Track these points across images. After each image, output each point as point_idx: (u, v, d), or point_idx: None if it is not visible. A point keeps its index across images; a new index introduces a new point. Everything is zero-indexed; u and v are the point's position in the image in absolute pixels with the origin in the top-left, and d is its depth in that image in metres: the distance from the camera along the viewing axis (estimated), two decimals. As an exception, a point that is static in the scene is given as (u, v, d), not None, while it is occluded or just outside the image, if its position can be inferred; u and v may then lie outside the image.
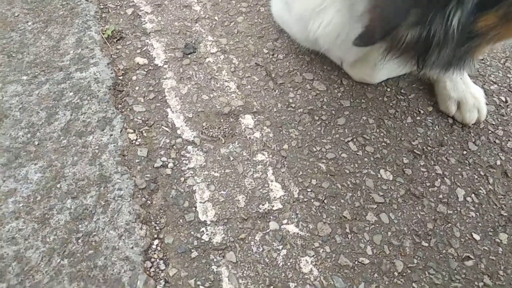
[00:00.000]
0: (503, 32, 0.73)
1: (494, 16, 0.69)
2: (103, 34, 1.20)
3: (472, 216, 0.93)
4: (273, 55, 1.22)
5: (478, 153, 1.05)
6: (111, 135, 0.98)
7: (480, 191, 0.98)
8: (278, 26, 1.29)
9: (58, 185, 0.89)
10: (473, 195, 0.97)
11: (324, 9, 0.88)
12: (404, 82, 1.18)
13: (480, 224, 0.92)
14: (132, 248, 0.81)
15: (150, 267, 0.80)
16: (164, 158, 0.96)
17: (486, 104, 1.11)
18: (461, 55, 0.78)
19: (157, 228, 0.85)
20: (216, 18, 1.30)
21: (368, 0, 0.74)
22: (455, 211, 0.94)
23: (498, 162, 1.04)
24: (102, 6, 1.29)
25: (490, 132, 1.10)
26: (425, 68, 0.80)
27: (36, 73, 1.09)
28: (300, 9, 0.99)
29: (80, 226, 0.84)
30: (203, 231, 0.85)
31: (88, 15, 1.24)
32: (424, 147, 1.04)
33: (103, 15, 1.26)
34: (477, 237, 0.90)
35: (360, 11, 0.77)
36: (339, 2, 0.84)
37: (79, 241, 0.82)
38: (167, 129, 1.01)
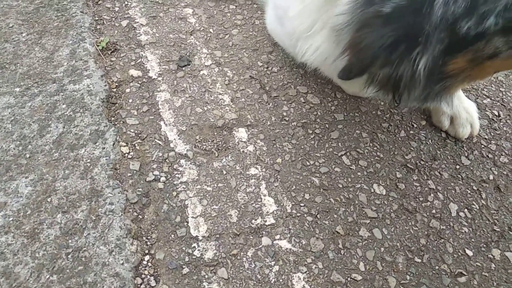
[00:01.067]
0: (474, 74, 0.78)
1: (463, 60, 0.72)
2: (98, 46, 1.20)
3: (465, 232, 0.93)
4: (267, 68, 1.22)
5: (471, 168, 1.05)
6: (104, 148, 0.97)
7: (473, 206, 0.98)
8: (272, 39, 1.29)
9: (49, 199, 0.89)
10: (466, 210, 0.97)
11: (312, 35, 0.90)
12: (398, 95, 1.19)
13: (473, 240, 0.92)
14: (122, 264, 0.80)
15: (141, 284, 0.79)
16: (156, 172, 0.95)
17: (479, 118, 1.11)
18: (436, 93, 0.82)
19: (148, 243, 0.84)
20: (211, 30, 1.30)
21: (347, 32, 0.77)
22: (448, 227, 0.94)
23: (491, 177, 1.04)
24: (97, 18, 1.29)
25: (483, 146, 1.11)
26: (402, 103, 0.83)
27: (29, 85, 1.09)
28: (292, 29, 1.00)
29: (70, 241, 0.83)
30: (194, 246, 0.84)
31: (83, 27, 1.24)
32: (417, 162, 1.05)
33: (98, 27, 1.26)
34: (470, 253, 0.90)
35: (343, 45, 0.79)
36: (327, 31, 0.86)
37: (69, 256, 0.81)
38: (160, 142, 1.01)
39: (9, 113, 1.03)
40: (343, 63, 0.86)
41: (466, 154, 1.08)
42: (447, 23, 0.66)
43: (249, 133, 1.06)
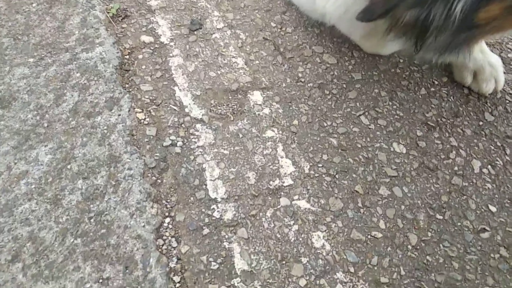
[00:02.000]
0: (503, 25, 0.73)
1: (497, 8, 0.68)
2: (108, 13, 1.18)
3: (489, 188, 0.91)
4: (281, 28, 1.19)
5: (495, 124, 1.02)
6: (119, 115, 0.97)
7: (496, 162, 0.95)
8: (285, -2, 1.25)
9: (69, 166, 0.90)
10: (489, 166, 0.95)
11: None
12: (418, 52, 1.14)
13: (496, 196, 0.90)
14: (143, 226, 0.82)
15: (162, 245, 0.80)
16: (173, 137, 0.95)
17: (504, 73, 1.07)
18: (459, 43, 0.77)
19: (168, 206, 0.85)
20: (221, -8, 1.27)
21: None
22: (471, 183, 0.91)
23: (516, 132, 1.00)
24: (105, -16, 1.26)
25: (507, 102, 1.06)
26: (422, 50, 0.78)
27: (43, 55, 1.09)
28: None
29: (91, 206, 0.84)
30: (214, 208, 0.85)
31: (92, -6, 1.22)
32: (439, 119, 1.02)
33: (107, -6, 1.24)
34: (493, 209, 0.88)
35: None
36: None
37: (91, 220, 0.82)
38: (175, 107, 1.00)
39: (25, 83, 1.03)
40: None
41: (490, 110, 1.04)
42: None
43: (264, 95, 1.04)
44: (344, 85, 1.07)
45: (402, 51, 1.10)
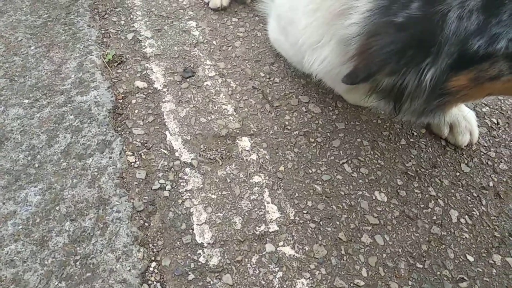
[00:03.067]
0: (472, 93, 0.78)
1: (466, 78, 0.74)
2: (104, 58, 1.23)
3: (466, 238, 0.95)
4: (269, 78, 1.25)
5: (471, 175, 1.07)
6: (110, 157, 1.00)
7: (473, 212, 1.00)
8: (274, 50, 1.32)
9: (57, 208, 0.91)
10: (466, 216, 0.99)
11: (320, 47, 0.92)
12: (398, 104, 1.21)
13: (474, 246, 0.94)
14: (129, 270, 0.82)
15: (147, 290, 0.80)
16: (162, 180, 0.97)
17: (478, 126, 1.13)
18: (432, 108, 0.83)
19: (155, 250, 0.86)
20: (214, 42, 1.34)
21: (357, 42, 0.79)
22: (449, 233, 0.95)
23: (491, 184, 1.06)
24: (103, 31, 1.33)
25: (482, 153, 1.12)
26: (401, 114, 0.85)
27: (38, 97, 1.12)
28: (296, 38, 1.03)
29: (78, 248, 0.85)
30: (200, 253, 0.86)
31: (90, 40, 1.27)
32: (418, 169, 1.06)
33: (104, 40, 1.30)
34: (471, 258, 0.91)
35: (351, 54, 0.81)
36: (334, 42, 0.88)
37: (77, 263, 0.83)
38: (165, 151, 1.03)
39: (18, 124, 1.06)
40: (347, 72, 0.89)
41: (466, 162, 1.10)
42: (458, 38, 0.67)
43: (252, 142, 1.08)
44: (328, 134, 1.12)
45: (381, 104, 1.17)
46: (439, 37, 0.69)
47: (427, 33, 0.69)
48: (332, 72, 0.95)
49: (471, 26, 0.67)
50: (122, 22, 1.37)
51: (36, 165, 0.98)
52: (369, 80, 0.78)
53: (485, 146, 1.15)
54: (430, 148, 1.12)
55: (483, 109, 1.25)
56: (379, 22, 0.73)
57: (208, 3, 1.45)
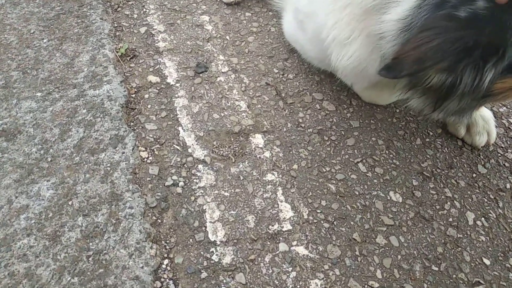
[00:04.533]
0: (509, 95, 0.77)
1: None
2: (117, 52, 1.22)
3: (482, 240, 0.93)
4: (283, 74, 1.24)
5: (488, 176, 1.05)
6: (123, 152, 0.99)
7: (490, 215, 0.98)
8: (288, 46, 1.30)
9: (70, 202, 0.90)
10: (483, 218, 0.97)
11: (349, 43, 0.91)
12: (413, 103, 1.19)
13: (490, 249, 0.92)
14: (142, 267, 0.82)
15: (160, 287, 0.80)
16: (175, 177, 0.97)
17: (496, 126, 1.11)
18: (470, 108, 0.81)
19: (167, 247, 0.86)
20: (227, 37, 1.32)
21: (400, 37, 0.76)
22: (465, 235, 0.93)
23: (508, 186, 1.04)
24: (116, 25, 1.31)
25: (499, 155, 1.10)
26: (436, 112, 0.82)
27: (51, 90, 1.11)
28: (316, 34, 1.01)
29: (91, 244, 0.84)
30: (212, 251, 0.85)
31: (103, 33, 1.27)
32: (434, 169, 1.05)
33: (117, 34, 1.29)
34: (487, 262, 0.89)
35: (385, 47, 0.79)
36: (365, 36, 0.87)
37: (90, 259, 0.82)
38: (178, 147, 1.03)
39: (31, 117, 1.05)
40: (373, 68, 0.87)
41: (483, 163, 1.08)
42: None
43: (265, 139, 1.07)
44: (343, 132, 1.10)
45: (399, 102, 1.15)
46: (508, 39, 0.66)
47: (498, 34, 0.66)
48: (359, 67, 0.93)
49: None
50: (135, 16, 1.36)
51: (49, 159, 0.97)
52: (416, 74, 0.73)
53: (502, 147, 1.13)
54: (446, 148, 1.10)
55: (501, 109, 1.23)
56: (436, 16, 0.69)
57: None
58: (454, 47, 0.67)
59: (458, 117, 0.87)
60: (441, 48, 0.68)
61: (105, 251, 0.83)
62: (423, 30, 0.70)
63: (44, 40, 1.25)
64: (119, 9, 1.38)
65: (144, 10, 1.38)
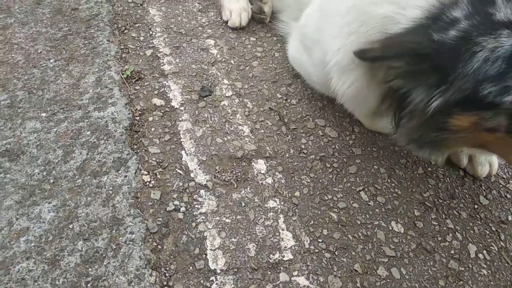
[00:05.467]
0: (468, 139, 0.79)
1: (467, 120, 0.75)
2: (123, 74, 1.23)
3: (484, 274, 0.92)
4: (286, 100, 1.25)
5: (490, 208, 1.05)
6: (126, 176, 0.99)
7: (491, 247, 0.97)
8: (292, 71, 1.32)
9: (71, 226, 0.90)
10: (484, 251, 0.96)
11: (350, 70, 0.92)
12: (415, 131, 1.20)
13: (492, 283, 0.91)
14: (141, 295, 0.81)
15: (159, 316, 0.79)
16: (176, 202, 0.96)
17: (498, 157, 1.12)
18: (429, 141, 0.83)
19: (167, 275, 0.85)
20: (232, 62, 1.34)
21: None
22: (467, 268, 0.93)
23: (510, 218, 1.03)
24: (122, 47, 1.33)
25: (501, 186, 1.10)
26: (398, 130, 0.86)
27: (55, 111, 1.12)
28: (321, 59, 1.03)
29: (90, 269, 0.84)
30: (212, 280, 0.85)
31: (109, 55, 1.28)
32: (435, 200, 1.04)
33: (123, 56, 1.30)
34: (489, 296, 0.89)
35: (380, 77, 0.82)
36: (366, 66, 0.89)
37: (89, 285, 0.81)
38: (180, 171, 1.03)
39: (35, 137, 1.06)
40: (373, 97, 0.89)
41: (485, 194, 1.08)
42: (476, 77, 0.68)
43: (267, 165, 1.07)
44: (345, 159, 1.11)
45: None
46: (460, 70, 0.70)
47: (452, 63, 0.71)
48: (359, 95, 0.95)
49: (492, 71, 0.68)
50: (141, 38, 1.38)
51: (51, 181, 0.97)
52: (377, 61, 0.81)
53: (504, 178, 1.13)
54: (448, 178, 1.10)
55: (502, 140, 1.23)
56: (419, 32, 0.75)
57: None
58: (413, 48, 0.74)
59: (424, 152, 0.89)
60: (403, 45, 0.76)
61: (104, 277, 0.83)
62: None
63: (51, 60, 1.27)
64: (125, 31, 1.40)
65: (151, 32, 1.40)
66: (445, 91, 0.73)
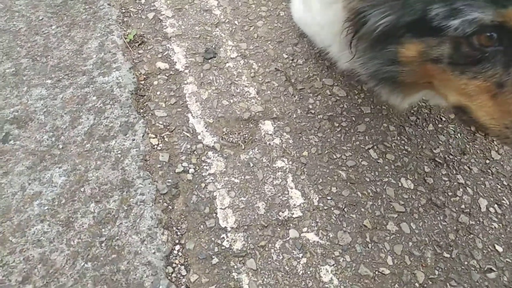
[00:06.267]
0: (418, 73, 0.74)
1: (415, 48, 0.70)
2: (125, 38, 1.21)
3: (495, 227, 0.92)
4: (292, 60, 1.22)
5: (501, 163, 1.04)
6: (134, 139, 0.99)
7: (503, 201, 0.97)
8: (297, 30, 1.28)
9: (82, 189, 0.91)
10: (496, 205, 0.96)
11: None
12: (426, 88, 1.17)
13: (503, 236, 0.91)
14: (154, 253, 0.82)
15: (172, 273, 0.81)
16: (185, 164, 0.97)
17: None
18: (386, 78, 0.79)
19: (179, 233, 0.86)
20: (236, 22, 1.30)
21: None
22: (478, 222, 0.93)
23: (522, 172, 1.02)
24: (124, 10, 1.30)
25: (513, 141, 1.08)
26: (355, 56, 0.81)
27: (60, 77, 1.11)
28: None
29: (103, 230, 0.85)
30: (223, 237, 0.86)
31: (111, 20, 1.26)
32: (446, 156, 1.03)
33: (125, 19, 1.28)
34: (499, 249, 0.89)
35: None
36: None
37: (103, 245, 0.83)
38: (188, 134, 1.02)
39: (42, 104, 1.06)
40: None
41: (496, 149, 1.06)
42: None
43: (275, 125, 1.06)
44: (354, 118, 1.09)
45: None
46: None
47: None
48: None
49: None
50: (143, 1, 1.34)
51: (60, 146, 0.98)
52: None
53: (516, 132, 1.10)
54: (459, 134, 1.08)
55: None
56: None
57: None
58: None
59: (383, 88, 0.84)
60: None
61: (117, 237, 0.84)
62: None
63: (53, 27, 1.25)
64: (126, -6, 1.36)
65: (152, -5, 1.37)
66: (395, 10, 0.68)
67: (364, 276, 0.83)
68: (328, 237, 0.87)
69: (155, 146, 0.99)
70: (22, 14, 1.28)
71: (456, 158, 1.03)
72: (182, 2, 1.35)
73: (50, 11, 1.29)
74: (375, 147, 1.03)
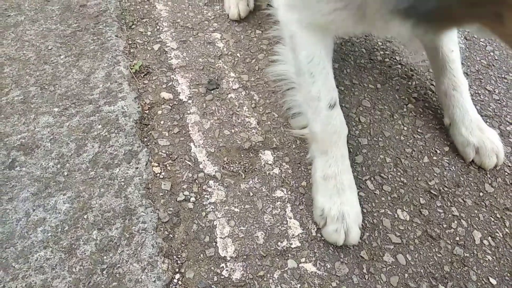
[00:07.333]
0: (483, 13, 0.61)
1: None
2: (131, 69, 1.26)
3: (489, 260, 0.94)
4: (292, 92, 1.26)
5: (495, 195, 1.06)
6: (137, 168, 1.02)
7: (496, 234, 0.99)
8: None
9: (85, 216, 0.93)
10: (489, 238, 0.98)
11: None
12: (421, 121, 1.21)
13: (496, 268, 0.93)
14: (154, 281, 0.84)
15: (172, 302, 0.82)
16: (186, 192, 0.99)
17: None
18: (432, 13, 0.67)
19: (179, 262, 0.88)
20: (238, 55, 1.36)
21: None
22: (472, 254, 0.94)
23: (515, 205, 1.05)
24: (130, 42, 1.36)
25: (506, 174, 1.11)
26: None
27: (67, 105, 1.15)
28: None
29: (105, 257, 0.87)
30: (223, 266, 0.87)
31: (117, 50, 1.31)
32: (441, 188, 1.06)
33: (132, 51, 1.33)
34: (493, 281, 0.90)
35: None
36: None
37: (104, 272, 0.85)
38: (190, 163, 1.05)
39: (48, 132, 1.09)
40: None
41: (490, 182, 1.09)
42: None
43: (274, 155, 1.09)
44: (351, 150, 1.12)
45: (406, 119, 1.16)
46: None
47: None
48: None
49: None
50: (149, 33, 1.40)
51: (65, 173, 1.01)
52: None
53: (509, 166, 1.14)
54: (453, 167, 1.11)
55: (508, 128, 1.24)
56: None
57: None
58: None
59: (417, 27, 0.72)
60: None
61: (118, 265, 0.86)
62: None
63: (61, 56, 1.30)
64: (133, 26, 1.42)
65: (158, 27, 1.43)
66: None
67: (360, 307, 0.84)
68: (325, 268, 0.89)
69: (158, 174, 1.02)
70: (32, 43, 1.33)
71: (450, 190, 1.06)
72: (186, 35, 1.41)
73: (59, 41, 1.34)
74: (372, 178, 1.06)
